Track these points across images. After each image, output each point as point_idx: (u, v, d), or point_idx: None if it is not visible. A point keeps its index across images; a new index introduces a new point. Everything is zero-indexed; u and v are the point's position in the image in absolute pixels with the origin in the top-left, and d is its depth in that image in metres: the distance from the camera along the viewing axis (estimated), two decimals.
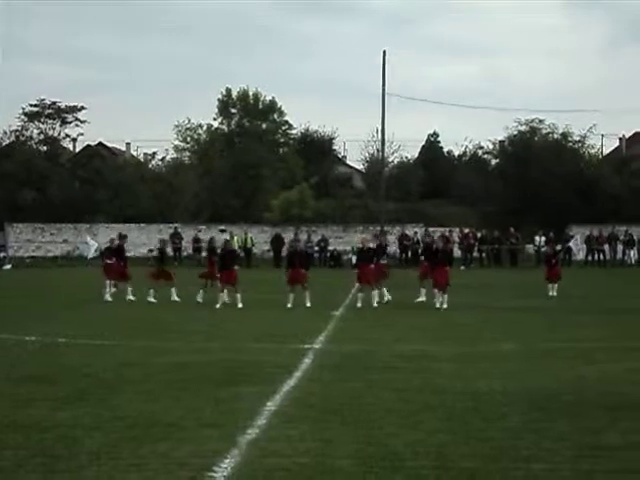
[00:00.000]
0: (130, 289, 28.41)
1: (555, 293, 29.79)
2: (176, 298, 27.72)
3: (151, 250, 30.15)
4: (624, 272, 48.35)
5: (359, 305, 25.33)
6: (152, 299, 27.45)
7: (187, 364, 14.27)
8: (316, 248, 54.87)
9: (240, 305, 25.34)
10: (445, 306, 25.12)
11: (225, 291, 26.21)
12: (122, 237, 31.40)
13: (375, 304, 25.52)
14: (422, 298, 27.06)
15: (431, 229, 56.43)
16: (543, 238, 51.71)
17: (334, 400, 11.07)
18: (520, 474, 7.82)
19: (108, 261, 33.12)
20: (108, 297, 28.21)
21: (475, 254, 55.10)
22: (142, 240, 61.65)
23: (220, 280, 26.51)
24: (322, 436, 9.16)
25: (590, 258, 54.51)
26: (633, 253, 55.34)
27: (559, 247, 37.68)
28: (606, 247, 55.47)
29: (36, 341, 17.62)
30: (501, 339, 17.95)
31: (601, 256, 55.35)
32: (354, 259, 27.85)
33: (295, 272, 26.26)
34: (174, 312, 24.36)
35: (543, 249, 46.15)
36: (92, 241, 41.76)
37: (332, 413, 10.30)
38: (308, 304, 25.50)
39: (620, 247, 55.61)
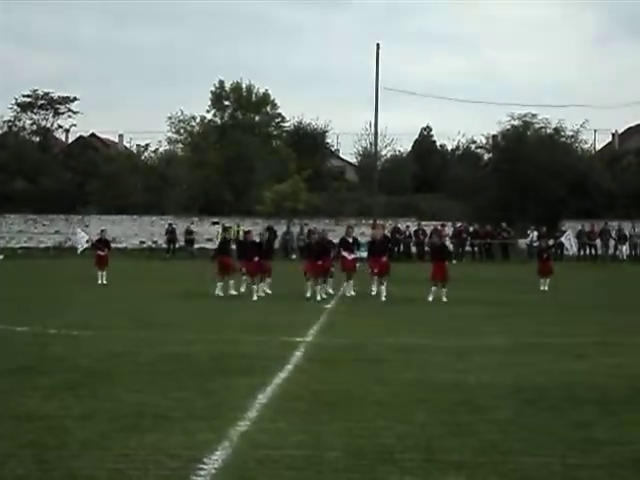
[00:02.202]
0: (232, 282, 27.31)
1: (546, 287, 29.86)
2: (233, 292, 27.05)
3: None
4: (615, 267, 48.45)
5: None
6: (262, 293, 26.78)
7: (178, 356, 14.28)
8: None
9: (255, 297, 25.60)
10: (444, 299, 25.24)
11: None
12: (247, 232, 29.76)
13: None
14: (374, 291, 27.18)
15: (423, 223, 56.63)
16: (535, 233, 51.81)
17: (325, 393, 11.08)
18: (509, 467, 7.84)
19: (100, 252, 33.25)
20: (220, 291, 26.83)
21: (467, 248, 55.20)
22: (134, 231, 61.78)
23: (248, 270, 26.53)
24: (312, 428, 9.17)
25: (582, 253, 54.62)
26: (625, 248, 55.49)
27: (551, 242, 37.76)
28: (598, 242, 55.62)
29: (26, 332, 17.63)
30: (492, 333, 17.97)
31: (593, 251, 55.51)
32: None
33: (315, 263, 26.26)
34: (165, 303, 24.35)
35: (535, 244, 46.24)
36: (82, 233, 41.63)
37: (323, 406, 10.31)
38: (331, 291, 26.51)
39: (612, 242, 55.77)
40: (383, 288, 26.10)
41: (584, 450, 8.40)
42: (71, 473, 7.60)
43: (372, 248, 27.39)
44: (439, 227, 55.02)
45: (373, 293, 26.72)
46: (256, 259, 26.34)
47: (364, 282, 27.37)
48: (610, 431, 9.14)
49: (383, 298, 25.60)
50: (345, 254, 27.12)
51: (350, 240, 27.71)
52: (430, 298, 25.38)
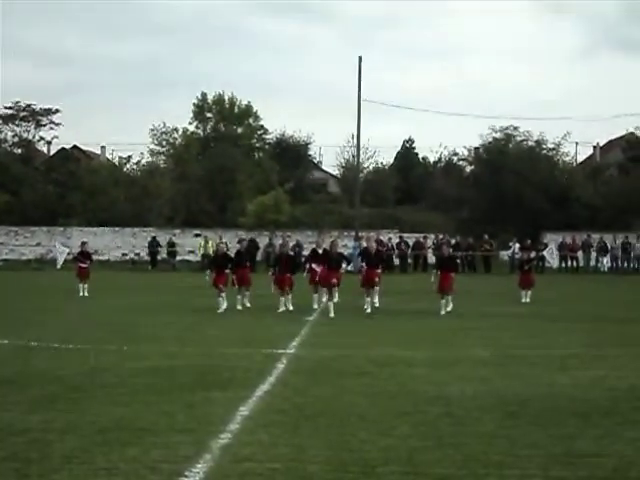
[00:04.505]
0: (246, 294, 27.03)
1: (528, 300, 29.88)
2: (239, 306, 26.53)
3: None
4: (597, 279, 48.58)
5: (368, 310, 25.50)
6: (239, 306, 26.51)
7: (160, 368, 14.24)
8: (291, 253, 54.75)
9: (222, 309, 25.44)
10: (449, 309, 25.32)
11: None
12: (218, 244, 30.16)
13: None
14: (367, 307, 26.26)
15: (405, 235, 56.73)
16: (517, 245, 51.90)
17: (307, 405, 11.07)
18: None
19: (81, 264, 33.17)
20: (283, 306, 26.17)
21: None
22: (116, 244, 61.65)
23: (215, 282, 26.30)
24: (294, 441, 9.15)
25: (563, 265, 54.76)
26: (606, 260, 55.69)
27: (533, 254, 37.83)
28: (580, 254, 55.81)
29: (8, 344, 17.55)
30: (474, 345, 18.00)
31: (574, 263, 55.68)
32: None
33: (282, 276, 26.22)
34: (147, 316, 24.28)
35: (517, 256, 46.34)
36: (62, 247, 41.35)
37: (305, 418, 10.30)
38: (290, 308, 25.80)
39: (593, 254, 55.95)
40: (376, 300, 26.13)
41: (566, 462, 8.41)
42: None
43: (366, 260, 27.11)
44: (421, 239, 55.41)
45: (366, 308, 25.60)
46: (227, 271, 26.27)
47: (347, 294, 27.37)
48: (592, 443, 9.17)
49: (369, 310, 25.49)
50: (315, 267, 26.57)
51: (320, 252, 27.00)
52: (443, 312, 25.20)
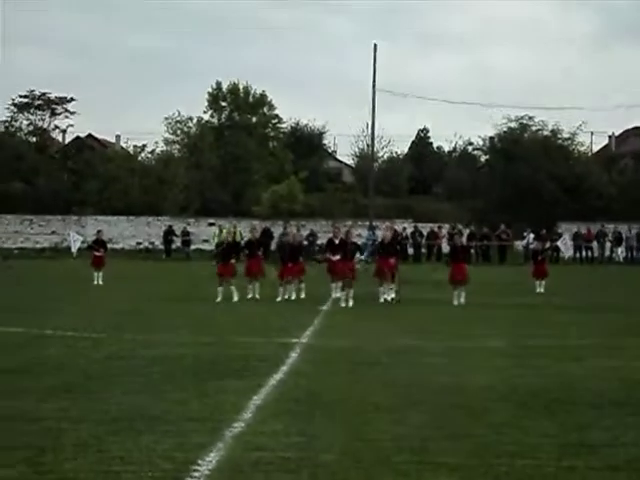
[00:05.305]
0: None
1: (542, 290, 29.84)
2: (250, 295, 26.33)
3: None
4: (611, 269, 48.45)
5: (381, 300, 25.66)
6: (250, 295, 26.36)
7: (173, 357, 14.27)
8: (305, 242, 54.78)
9: (236, 298, 25.34)
10: (462, 300, 25.17)
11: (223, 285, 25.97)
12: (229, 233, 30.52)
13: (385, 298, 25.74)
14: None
15: (420, 224, 56.69)
16: (531, 235, 51.81)
17: (321, 395, 11.07)
18: (503, 470, 7.83)
19: (96, 253, 33.29)
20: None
21: None
22: (131, 232, 61.80)
23: (219, 273, 26.28)
24: (308, 430, 9.16)
25: (578, 255, 54.65)
26: (621, 250, 55.54)
27: (547, 245, 37.75)
28: (594, 244, 55.67)
29: (22, 333, 17.60)
30: (488, 335, 17.96)
31: (589, 253, 55.53)
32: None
33: (284, 266, 26.18)
34: (161, 305, 24.33)
35: (532, 246, 46.27)
36: (76, 235, 41.49)
37: (318, 407, 10.30)
38: (302, 296, 26.05)
39: (608, 244, 55.80)
40: (392, 290, 25.96)
41: (578, 453, 8.40)
42: (66, 476, 7.58)
43: (381, 249, 27.06)
44: (435, 229, 55.30)
45: (387, 297, 25.81)
46: (232, 261, 26.21)
47: (361, 284, 27.30)
48: (605, 434, 9.15)
49: (389, 299, 25.55)
50: (330, 256, 26.16)
51: (337, 242, 26.34)
52: (455, 302, 25.16)
